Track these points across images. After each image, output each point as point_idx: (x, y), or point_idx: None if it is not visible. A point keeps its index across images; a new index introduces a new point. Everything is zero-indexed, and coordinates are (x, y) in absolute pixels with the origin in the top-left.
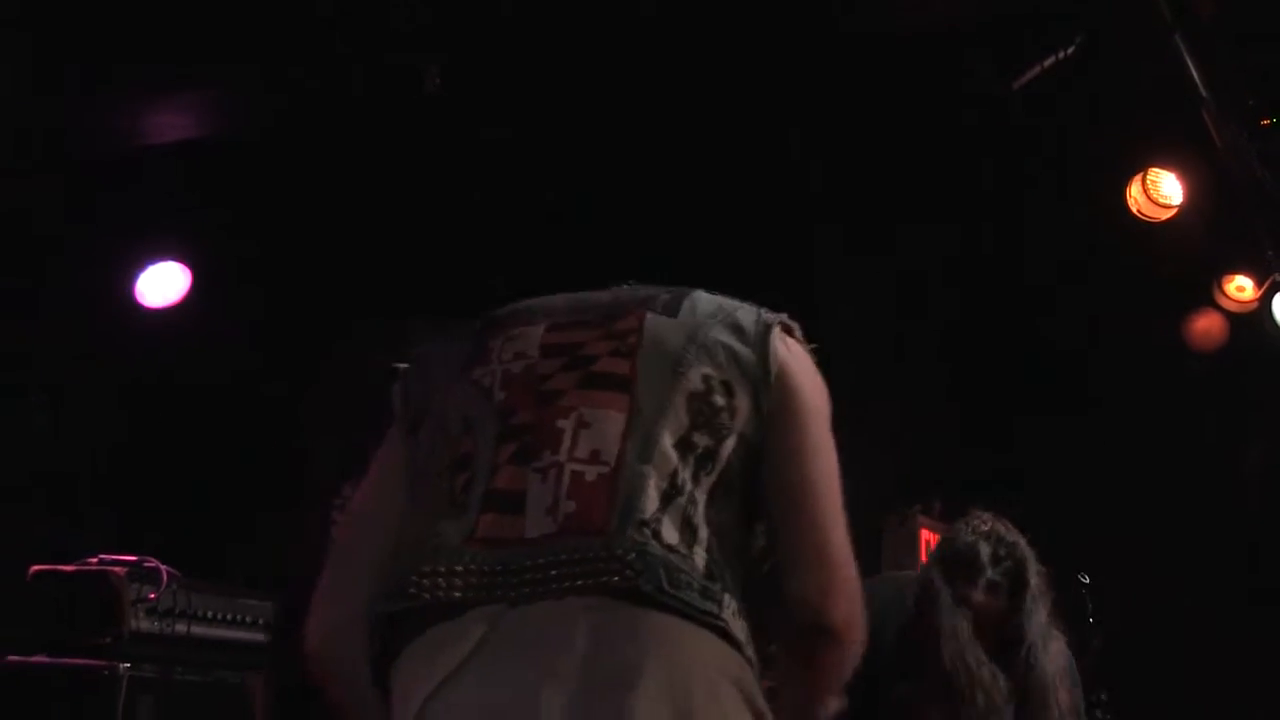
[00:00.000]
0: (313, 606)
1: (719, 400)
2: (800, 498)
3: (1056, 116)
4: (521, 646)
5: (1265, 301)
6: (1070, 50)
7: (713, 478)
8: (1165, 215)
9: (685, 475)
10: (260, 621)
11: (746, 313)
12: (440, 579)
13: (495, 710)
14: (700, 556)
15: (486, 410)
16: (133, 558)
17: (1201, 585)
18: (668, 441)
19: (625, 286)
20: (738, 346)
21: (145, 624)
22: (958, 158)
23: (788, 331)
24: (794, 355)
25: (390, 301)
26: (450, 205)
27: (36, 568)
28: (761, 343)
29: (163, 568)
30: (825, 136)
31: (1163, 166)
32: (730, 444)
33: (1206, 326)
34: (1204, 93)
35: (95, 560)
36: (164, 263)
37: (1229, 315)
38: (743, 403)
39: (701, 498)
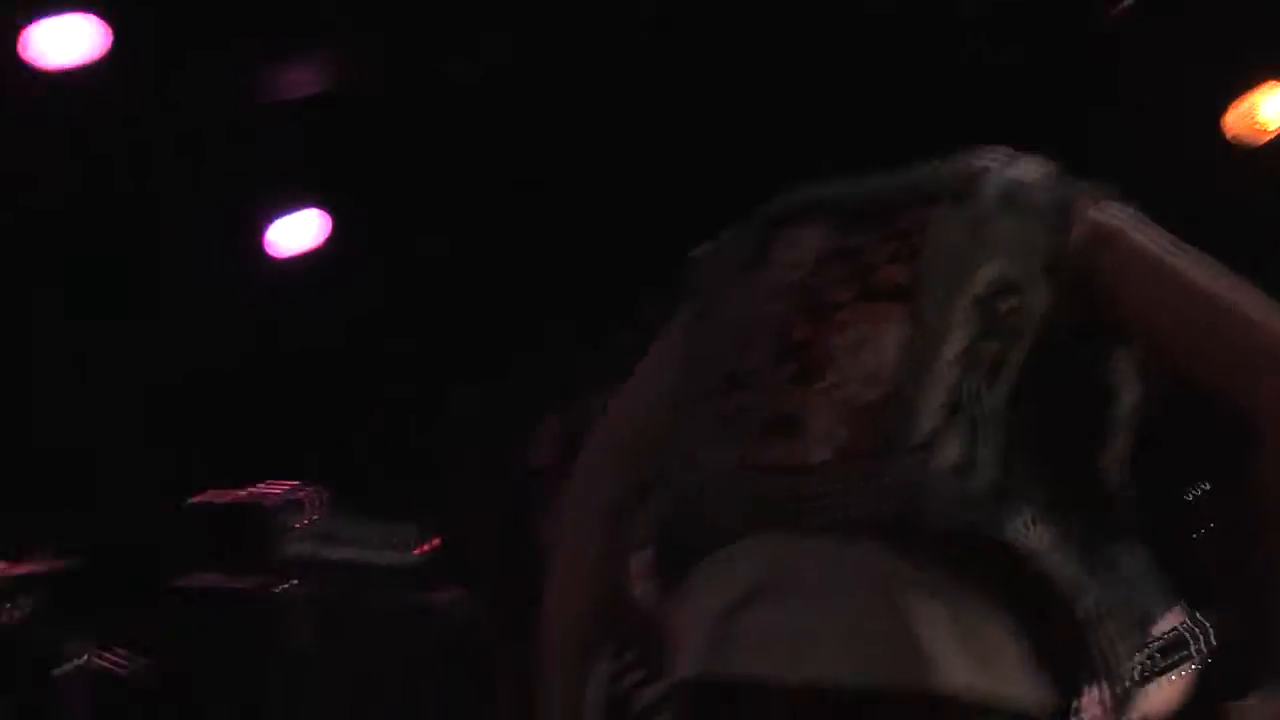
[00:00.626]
0: (582, 469)
1: (1007, 301)
2: (1173, 317)
3: (1151, 41)
4: (796, 563)
5: None
6: None
7: (1004, 387)
8: (1268, 136)
9: (970, 386)
10: (408, 545)
11: (1043, 191)
12: (720, 507)
13: (785, 628)
14: (987, 470)
15: (763, 323)
16: (287, 485)
17: None
18: (951, 350)
19: (914, 168)
20: (1031, 233)
21: (299, 549)
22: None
23: (1094, 201)
24: (1102, 224)
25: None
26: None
27: (197, 497)
28: (1063, 218)
29: (316, 494)
30: None
31: (1270, 82)
32: (1023, 346)
33: None
34: None
35: (250, 489)
36: (303, 210)
37: None
38: (1038, 298)
39: (989, 410)
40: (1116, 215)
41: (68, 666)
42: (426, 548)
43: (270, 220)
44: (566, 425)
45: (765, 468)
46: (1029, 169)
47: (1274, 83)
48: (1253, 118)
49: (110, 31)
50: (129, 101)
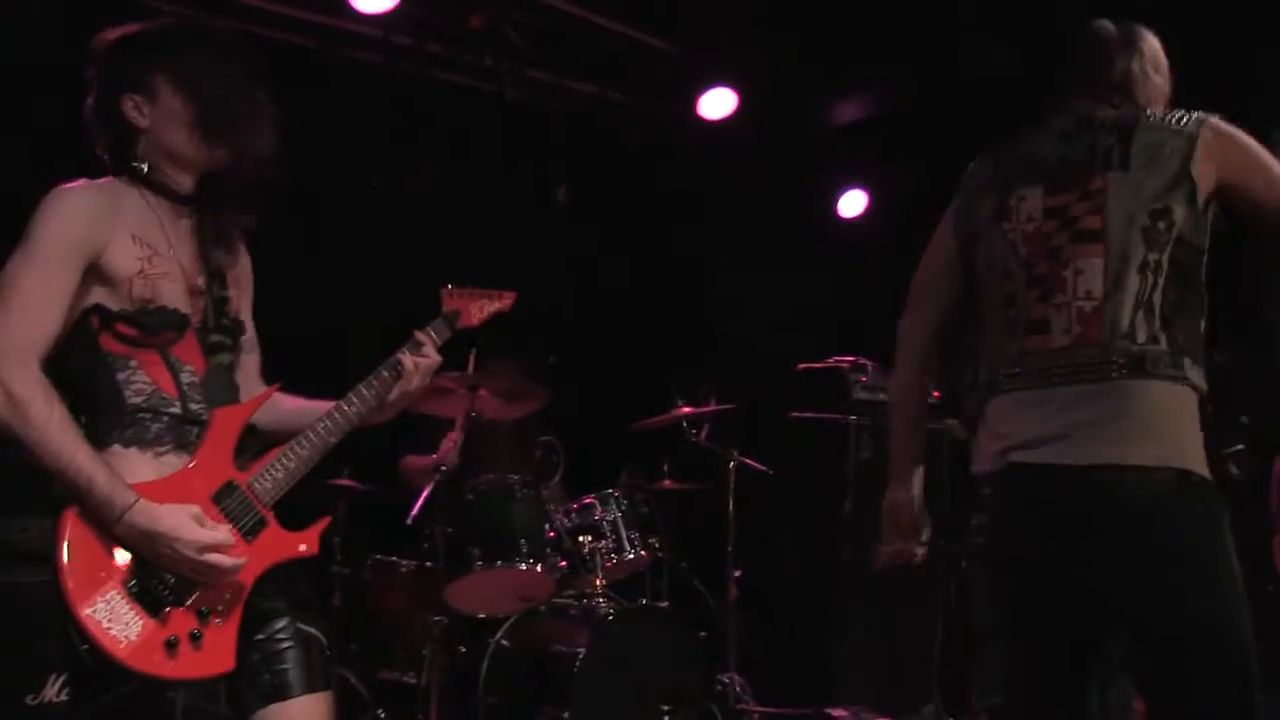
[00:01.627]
0: (907, 308)
1: (1160, 224)
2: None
3: None
4: (1050, 401)
5: None
6: None
7: (1163, 278)
8: None
9: (1147, 288)
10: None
11: (1172, 134)
12: (1006, 375)
13: (1036, 413)
14: (1163, 340)
15: (1016, 262)
16: (851, 358)
17: None
18: (1133, 269)
19: (1084, 122)
20: (1170, 174)
21: (862, 394)
22: None
23: (1206, 123)
24: (1213, 142)
25: None
26: None
27: (803, 365)
28: (1187, 155)
29: (869, 363)
30: None
31: None
32: (1170, 249)
33: None
34: None
35: (832, 360)
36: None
37: None
38: (1179, 211)
39: (1159, 298)
40: (1216, 131)
41: (730, 465)
42: (937, 393)
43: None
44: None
45: (1031, 352)
46: (1159, 122)
47: None
48: None
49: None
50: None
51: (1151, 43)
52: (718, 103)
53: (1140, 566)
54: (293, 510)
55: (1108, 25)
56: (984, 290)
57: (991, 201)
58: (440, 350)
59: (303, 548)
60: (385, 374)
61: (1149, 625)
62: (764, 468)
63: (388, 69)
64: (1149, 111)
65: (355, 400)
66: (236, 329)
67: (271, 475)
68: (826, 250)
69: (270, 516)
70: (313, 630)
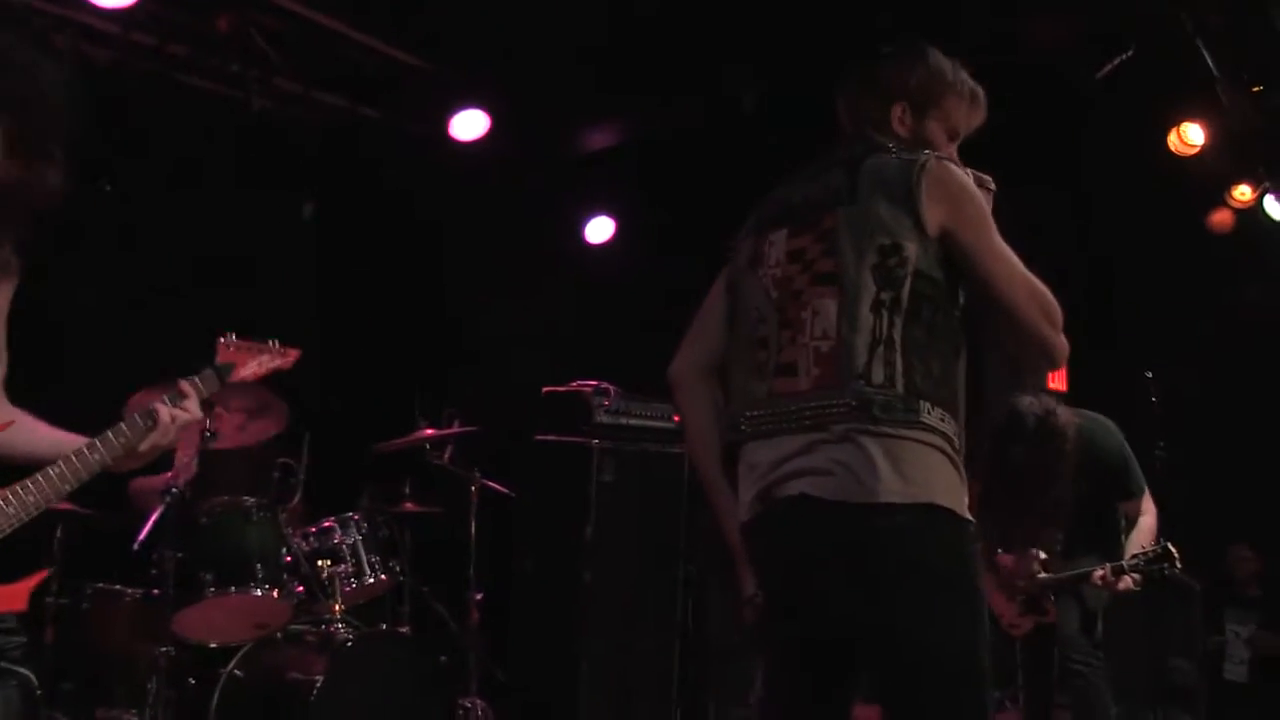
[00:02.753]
0: (680, 349)
1: (892, 260)
2: (982, 275)
3: (1121, 93)
4: (792, 445)
5: (1259, 200)
6: (1129, 53)
7: (901, 316)
8: (1192, 152)
9: (882, 327)
10: (666, 415)
11: (898, 169)
12: (756, 419)
13: (784, 454)
14: (898, 382)
15: (768, 305)
16: (594, 382)
17: None
18: (865, 309)
19: (826, 163)
20: (894, 207)
21: (604, 418)
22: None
23: (928, 163)
24: (936, 179)
25: None
26: None
27: (546, 389)
28: (910, 188)
29: (611, 387)
30: None
31: (1190, 120)
32: (907, 285)
33: (1221, 219)
34: (1215, 71)
35: (575, 384)
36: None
37: (1236, 211)
38: (910, 247)
39: (897, 336)
40: (938, 169)
41: (472, 487)
42: (678, 417)
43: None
44: None
45: (777, 395)
46: (888, 156)
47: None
48: (1183, 139)
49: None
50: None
51: (930, 68)
52: (470, 124)
53: (879, 596)
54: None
55: (886, 55)
56: (738, 333)
57: (748, 247)
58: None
59: (8, 603)
60: (139, 421)
61: (893, 650)
62: (506, 490)
63: (126, 68)
64: (888, 144)
65: (100, 447)
66: None
67: None
68: (573, 275)
69: None
70: (20, 670)
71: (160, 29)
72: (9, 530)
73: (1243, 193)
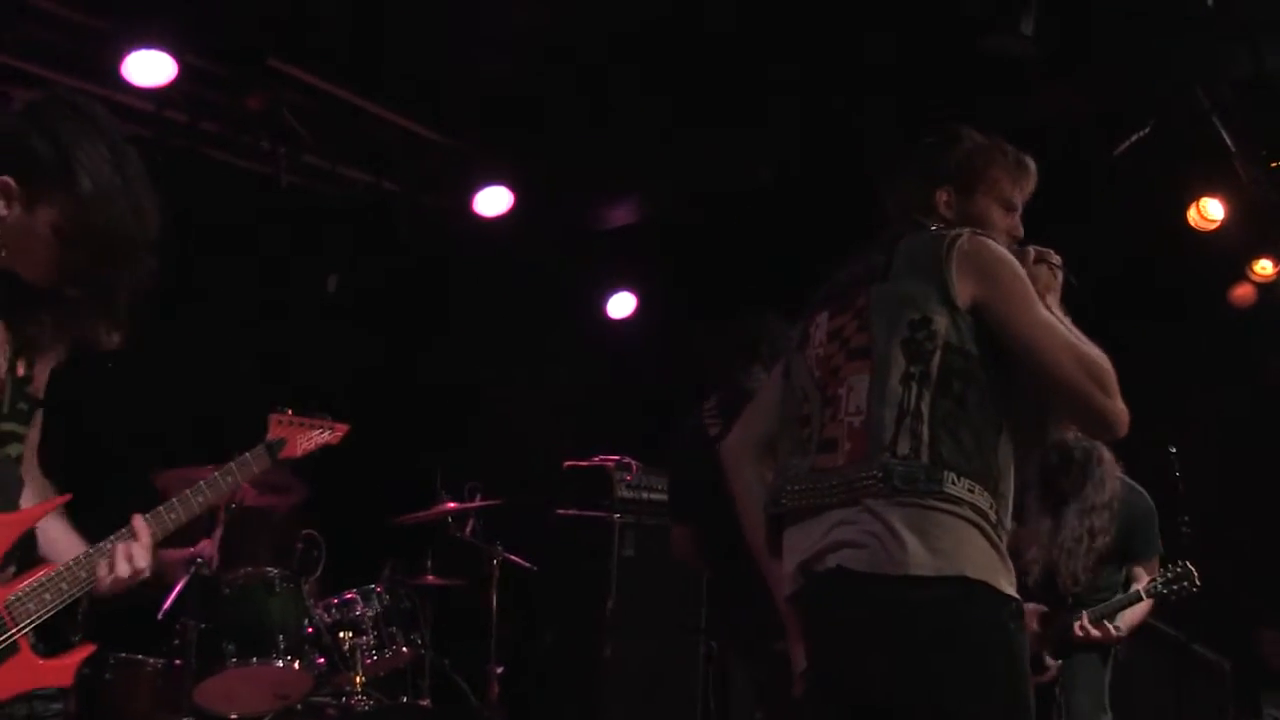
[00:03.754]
0: (735, 428)
1: (920, 334)
2: (1021, 344)
3: (1143, 168)
4: (830, 520)
5: None
6: (1146, 130)
7: (930, 389)
8: (1212, 227)
9: (910, 399)
10: None
11: (927, 244)
12: (798, 494)
13: (821, 530)
14: (924, 454)
15: (812, 385)
16: (615, 457)
17: None
18: (895, 381)
19: (871, 245)
20: (923, 283)
21: (626, 493)
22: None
23: (961, 238)
24: (968, 251)
25: None
26: None
27: (568, 463)
28: (940, 262)
29: (633, 462)
30: None
31: (1209, 195)
32: (936, 359)
33: (1243, 293)
34: (1233, 148)
35: (597, 459)
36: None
37: (1257, 285)
38: (940, 321)
39: (925, 408)
40: (969, 245)
41: (494, 560)
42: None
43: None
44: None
45: (817, 470)
46: (924, 234)
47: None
48: (1203, 214)
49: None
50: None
51: (967, 145)
52: (494, 200)
53: (911, 670)
54: None
55: (923, 143)
56: (786, 413)
57: (799, 330)
58: (262, 477)
59: (54, 678)
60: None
61: None
62: (528, 564)
63: (159, 144)
64: (930, 225)
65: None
66: (33, 410)
67: (38, 597)
68: (595, 349)
69: (24, 643)
70: None
71: (192, 107)
72: (61, 607)
73: (1264, 267)
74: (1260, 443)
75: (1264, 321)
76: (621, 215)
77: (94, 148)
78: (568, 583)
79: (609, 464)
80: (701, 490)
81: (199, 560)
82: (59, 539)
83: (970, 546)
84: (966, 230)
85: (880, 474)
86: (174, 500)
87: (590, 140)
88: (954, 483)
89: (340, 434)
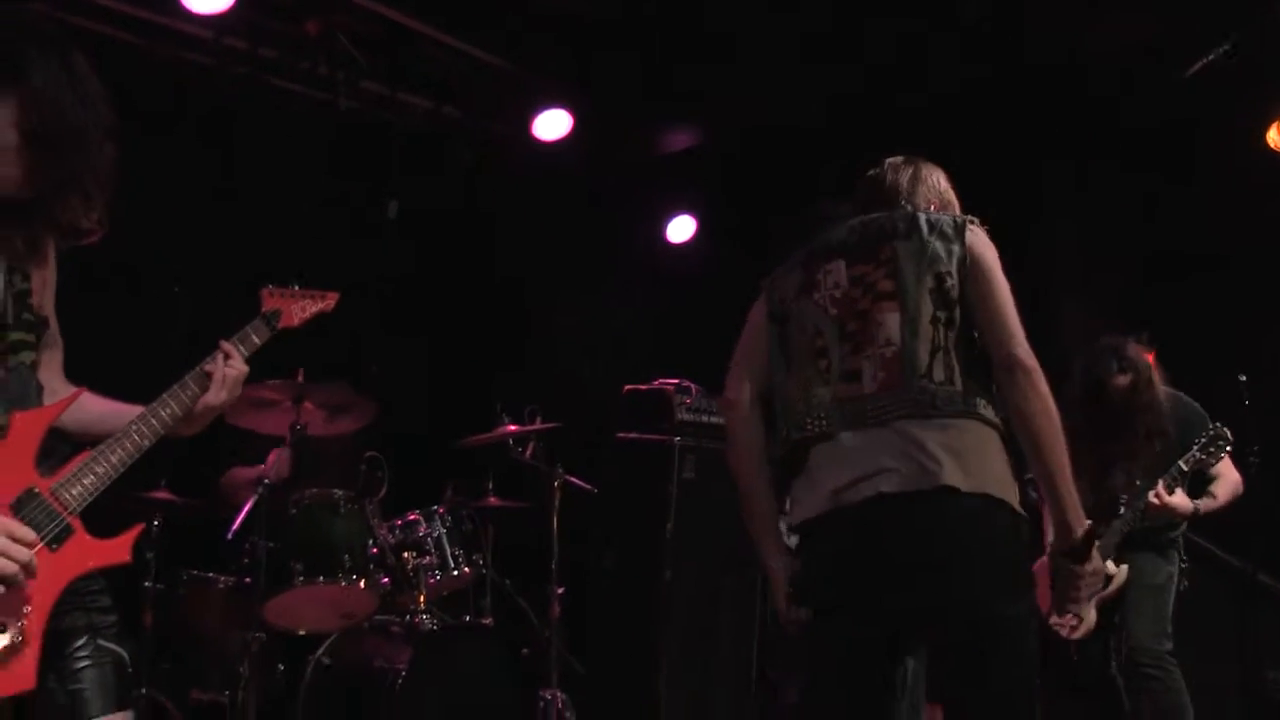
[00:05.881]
0: (729, 378)
1: (945, 285)
2: (986, 302)
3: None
4: (866, 440)
5: None
6: (1225, 48)
7: (954, 332)
8: None
9: (940, 337)
10: None
11: (948, 222)
12: (823, 420)
13: (854, 455)
14: (958, 382)
15: (827, 321)
16: (675, 381)
17: None
18: (925, 321)
19: (876, 216)
20: (947, 249)
21: (686, 416)
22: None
23: (973, 223)
24: (977, 236)
25: None
26: None
27: (628, 387)
28: (960, 237)
29: (693, 385)
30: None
31: None
32: (958, 309)
33: None
34: None
35: (657, 382)
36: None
37: None
38: (958, 277)
39: (952, 346)
40: (978, 231)
41: (554, 483)
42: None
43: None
44: None
45: (842, 399)
46: (932, 214)
47: None
48: None
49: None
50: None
51: (925, 166)
52: (553, 124)
53: (954, 573)
54: (106, 525)
55: (897, 161)
56: (792, 353)
57: (797, 278)
58: (262, 351)
59: (114, 555)
60: (192, 384)
61: (962, 623)
62: (588, 486)
63: (218, 71)
64: (929, 210)
65: (164, 407)
66: (40, 325)
67: (79, 481)
68: (655, 274)
69: (78, 524)
70: (114, 647)
71: (251, 33)
72: (102, 488)
73: None
74: None
75: None
76: (680, 139)
77: (38, 46)
78: (628, 505)
79: (669, 387)
80: None
81: (266, 480)
82: (106, 414)
83: (997, 464)
84: (973, 218)
85: (920, 398)
86: (187, 378)
87: (650, 62)
88: (984, 406)
89: (332, 301)
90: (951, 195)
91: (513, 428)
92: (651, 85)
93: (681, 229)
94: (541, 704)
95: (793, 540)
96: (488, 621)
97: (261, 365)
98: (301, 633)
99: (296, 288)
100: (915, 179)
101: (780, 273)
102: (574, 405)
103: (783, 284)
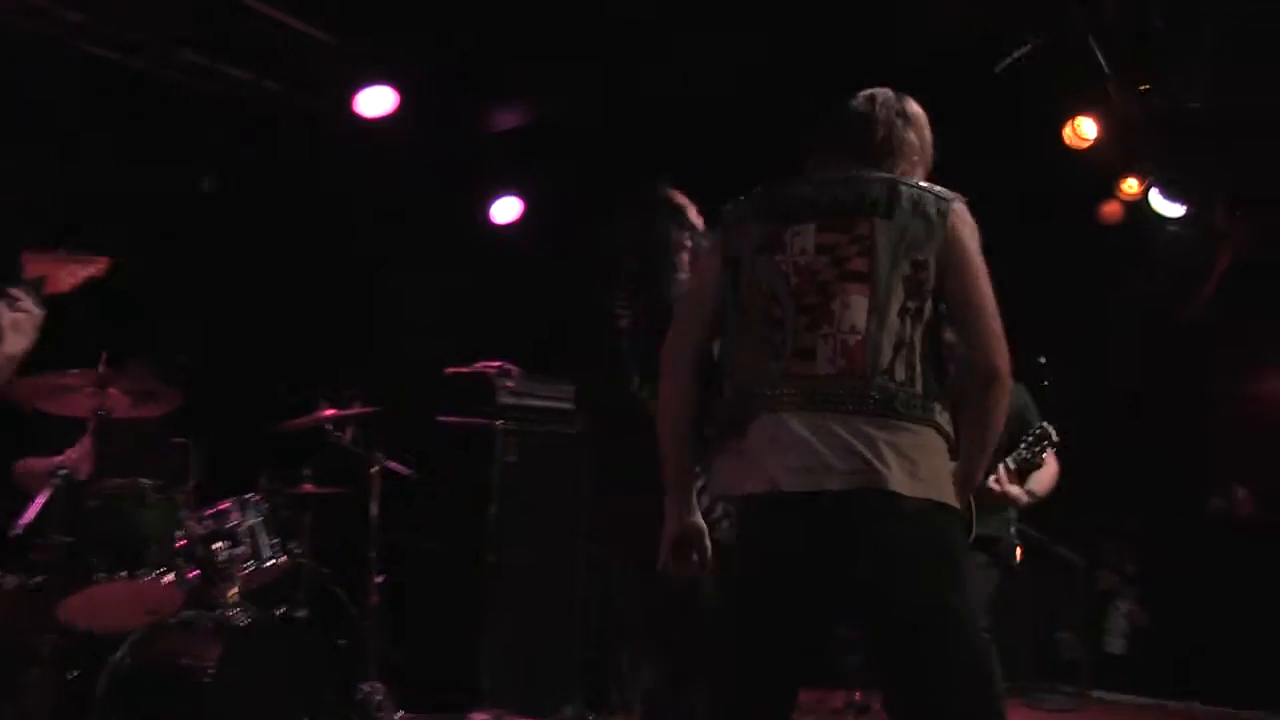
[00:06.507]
0: (675, 329)
1: (921, 275)
2: (969, 299)
3: (1023, 88)
4: (816, 426)
5: (1145, 194)
6: (1028, 47)
7: (921, 326)
8: (1085, 145)
9: (906, 331)
10: (569, 397)
11: (931, 201)
12: (770, 394)
13: (799, 440)
14: (918, 383)
15: (785, 290)
16: (498, 363)
17: None
18: (894, 312)
19: (854, 177)
20: (926, 232)
21: (508, 399)
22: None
23: (958, 203)
24: (961, 220)
25: None
26: None
27: (449, 369)
28: (943, 221)
29: (515, 368)
30: None
31: (1083, 114)
32: (929, 301)
33: (1111, 210)
34: (1107, 70)
35: (479, 365)
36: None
37: (1124, 203)
38: (932, 266)
39: (916, 342)
40: (963, 212)
41: (373, 469)
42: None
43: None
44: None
45: (795, 375)
46: (921, 186)
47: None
48: (1077, 133)
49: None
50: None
51: (914, 108)
52: (376, 100)
53: (900, 571)
54: None
55: (875, 92)
56: (745, 310)
57: (756, 233)
58: (63, 332)
59: None
60: None
61: (908, 620)
62: (409, 471)
63: (19, 34)
64: (911, 179)
65: None
66: None
67: None
68: (478, 255)
69: None
70: None
71: None
72: None
73: (1130, 185)
74: (1121, 356)
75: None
76: (508, 118)
77: None
78: (449, 490)
79: (490, 370)
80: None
81: (63, 471)
82: None
83: (945, 474)
84: (958, 196)
85: (878, 396)
86: None
87: (478, 38)
88: (939, 413)
89: (103, 265)
90: (931, 150)
91: (330, 411)
92: (479, 63)
93: (507, 209)
94: (360, 697)
95: (704, 502)
96: (303, 613)
97: (62, 349)
98: (101, 632)
99: (62, 251)
100: (904, 126)
101: (735, 215)
102: (395, 388)
103: (741, 234)
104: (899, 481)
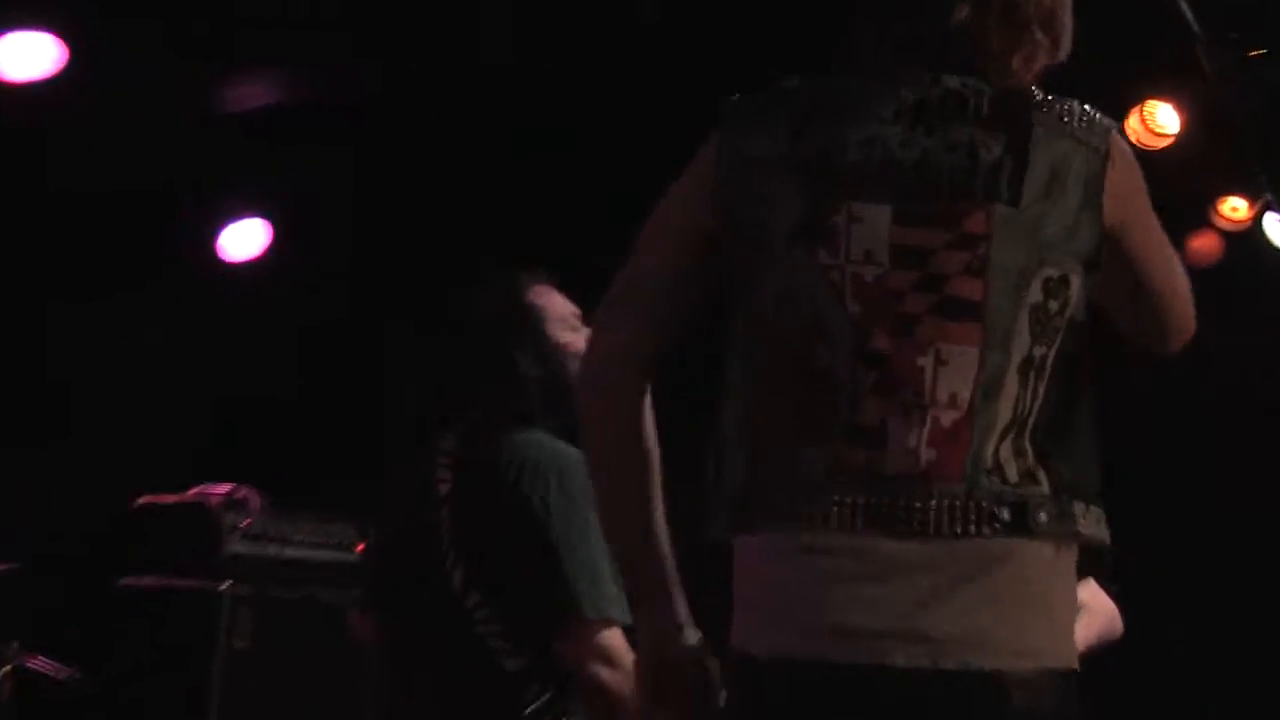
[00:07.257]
0: (612, 312)
1: (1053, 305)
2: (1158, 282)
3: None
4: (895, 574)
5: (1258, 220)
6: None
7: (1045, 382)
8: (1162, 144)
9: (1025, 399)
10: (347, 544)
11: (1078, 144)
12: (807, 498)
13: (868, 584)
14: (1044, 479)
15: (840, 318)
16: (227, 487)
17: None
18: (1013, 368)
19: (959, 128)
20: (1071, 223)
21: (240, 547)
22: None
23: (1117, 134)
24: (1122, 154)
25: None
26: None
27: (145, 499)
28: (1099, 187)
29: (254, 495)
30: None
31: (1159, 98)
32: (1059, 340)
33: (1203, 245)
34: (1195, 28)
35: (194, 491)
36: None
37: (1224, 234)
38: (1076, 281)
39: (1036, 407)
40: (1122, 147)
41: (3, 671)
42: (363, 546)
43: (221, 228)
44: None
45: (850, 469)
46: (1063, 128)
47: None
48: (1149, 125)
49: (67, 48)
50: (86, 113)
51: None
52: (28, 54)
53: None
54: None
55: None
56: (766, 342)
57: (789, 199)
58: None
59: None
60: None
61: None
62: (64, 673)
63: None
64: (1041, 94)
65: None
66: None
67: None
68: (199, 309)
69: None
70: None
71: None
72: None
73: (1234, 208)
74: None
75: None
76: (250, 95)
77: None
78: (135, 698)
79: (213, 498)
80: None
81: None
82: None
83: (1067, 614)
84: (1114, 127)
85: (990, 506)
86: None
87: None
88: (1084, 515)
89: None
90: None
91: None
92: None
93: (246, 240)
94: None
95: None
96: None
97: None
98: None
99: None
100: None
101: (756, 153)
102: (55, 531)
103: (760, 187)
104: (1017, 650)
